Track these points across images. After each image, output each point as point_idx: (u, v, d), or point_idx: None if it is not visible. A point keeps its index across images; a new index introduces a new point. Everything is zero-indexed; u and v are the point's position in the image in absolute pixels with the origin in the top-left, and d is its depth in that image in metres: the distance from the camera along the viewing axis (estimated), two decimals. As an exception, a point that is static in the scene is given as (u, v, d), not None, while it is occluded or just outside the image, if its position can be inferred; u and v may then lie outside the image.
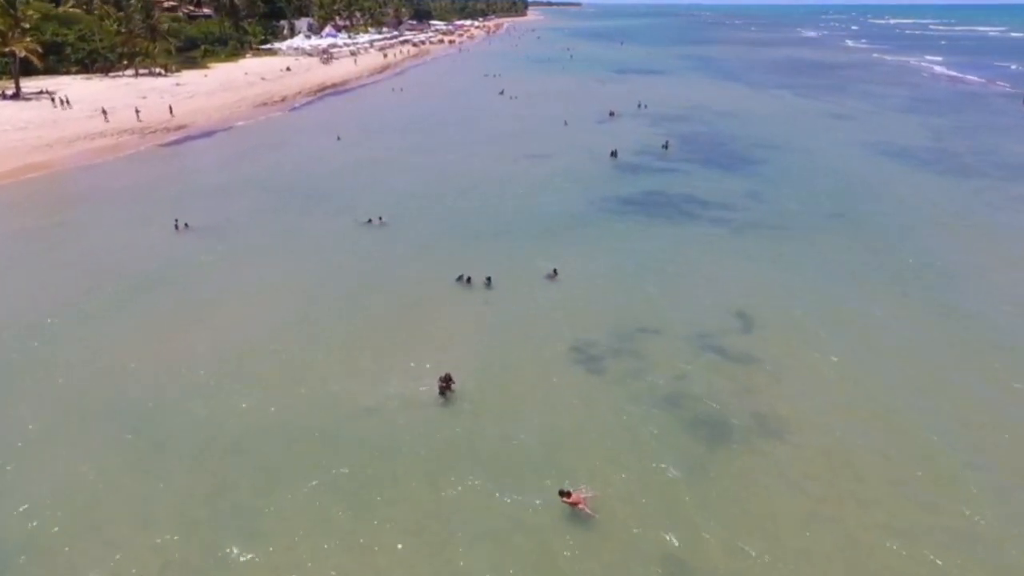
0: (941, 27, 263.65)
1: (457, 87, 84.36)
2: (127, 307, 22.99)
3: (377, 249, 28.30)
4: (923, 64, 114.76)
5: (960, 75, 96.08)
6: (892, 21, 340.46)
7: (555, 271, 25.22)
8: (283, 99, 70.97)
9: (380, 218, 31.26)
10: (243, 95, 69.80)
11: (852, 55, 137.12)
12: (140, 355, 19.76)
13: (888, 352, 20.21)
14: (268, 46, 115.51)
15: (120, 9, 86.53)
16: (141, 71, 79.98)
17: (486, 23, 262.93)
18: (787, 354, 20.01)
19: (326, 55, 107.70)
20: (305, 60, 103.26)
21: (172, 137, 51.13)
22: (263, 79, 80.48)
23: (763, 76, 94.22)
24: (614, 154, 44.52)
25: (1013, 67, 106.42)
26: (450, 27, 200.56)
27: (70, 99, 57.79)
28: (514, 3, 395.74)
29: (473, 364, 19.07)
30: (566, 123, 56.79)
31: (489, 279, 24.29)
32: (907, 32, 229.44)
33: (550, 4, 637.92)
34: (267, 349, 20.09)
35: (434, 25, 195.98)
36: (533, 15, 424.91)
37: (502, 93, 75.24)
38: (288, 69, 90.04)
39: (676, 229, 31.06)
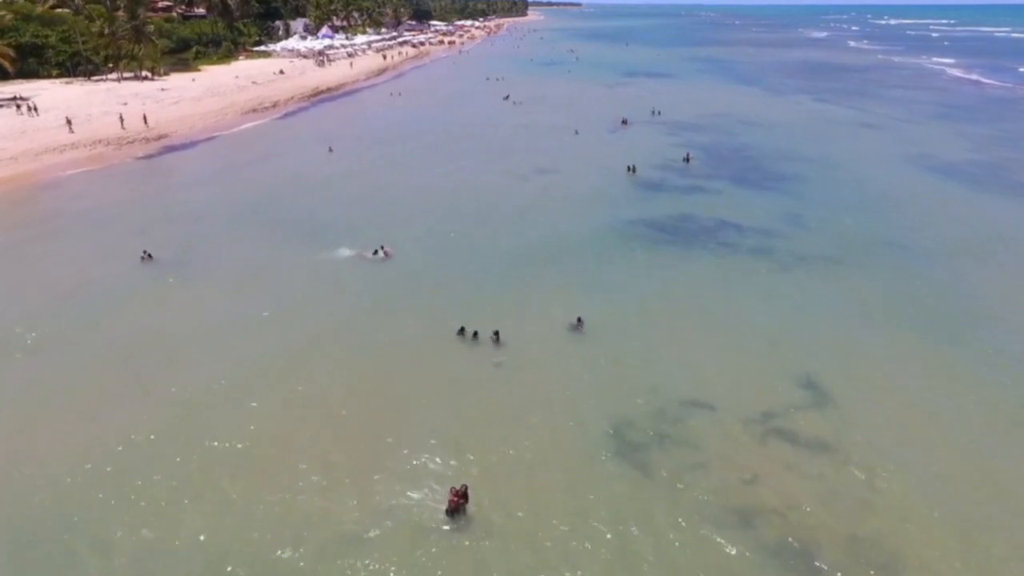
0: (943, 27, 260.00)
1: (459, 91, 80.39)
2: (34, 368, 18.85)
3: (365, 293, 24.23)
4: (938, 67, 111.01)
5: (983, 79, 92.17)
6: (893, 21, 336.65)
7: (579, 320, 21.26)
8: (274, 105, 66.91)
9: (384, 249, 27.08)
10: (232, 100, 65.77)
11: (864, 57, 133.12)
12: (15, 449, 15.43)
13: (993, 453, 16.22)
14: (262, 47, 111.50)
15: (109, 10, 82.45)
16: (126, 75, 75.97)
17: (487, 23, 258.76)
18: (875, 444, 16.01)
19: (322, 57, 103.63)
20: (300, 62, 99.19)
21: (150, 149, 47.09)
22: (254, 83, 76.46)
23: (778, 79, 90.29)
24: (632, 169, 40.56)
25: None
26: (450, 28, 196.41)
27: (43, 106, 53.90)
28: (514, 3, 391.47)
29: (486, 463, 15.07)
30: (577, 132, 52.84)
31: (497, 334, 20.23)
32: (910, 33, 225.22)
33: (550, 4, 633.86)
34: (201, 443, 15.67)
35: (434, 26, 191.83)
36: (533, 15, 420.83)
37: (507, 98, 71.31)
38: (281, 72, 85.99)
39: (713, 262, 27.06)
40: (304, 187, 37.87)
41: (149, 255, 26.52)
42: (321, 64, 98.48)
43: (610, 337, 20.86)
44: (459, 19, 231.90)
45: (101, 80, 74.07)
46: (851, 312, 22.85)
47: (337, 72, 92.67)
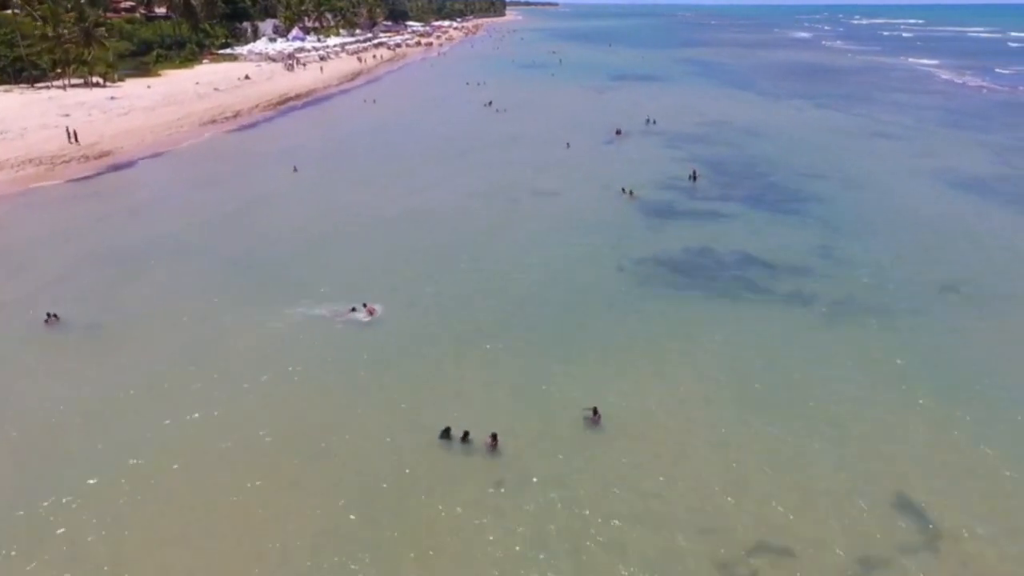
0: (915, 28, 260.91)
1: (438, 97, 75.43)
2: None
3: (330, 372, 19.34)
4: (926, 68, 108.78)
5: (978, 81, 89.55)
6: (864, 21, 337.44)
7: (595, 412, 16.60)
8: (236, 115, 61.37)
9: (366, 307, 21.97)
10: (190, 110, 60.14)
11: (849, 58, 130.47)
12: None
13: None
14: (228, 50, 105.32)
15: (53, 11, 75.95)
16: (75, 81, 69.84)
17: (464, 24, 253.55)
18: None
19: (291, 61, 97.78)
20: (268, 66, 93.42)
21: (87, 169, 41.46)
22: (216, 90, 70.73)
23: (772, 83, 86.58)
24: (630, 193, 35.82)
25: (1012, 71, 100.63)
26: (427, 28, 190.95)
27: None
28: (492, 3, 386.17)
29: None
30: (568, 145, 48.27)
31: (495, 438, 15.50)
32: (884, 34, 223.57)
33: (528, 4, 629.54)
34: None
35: (411, 26, 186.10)
36: (511, 15, 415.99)
37: (489, 104, 66.58)
38: (247, 77, 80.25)
39: (743, 315, 22.61)
40: (262, 217, 32.74)
41: (55, 316, 21.38)
42: (290, 68, 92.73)
43: (635, 435, 16.24)
44: (436, 19, 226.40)
45: (46, 88, 67.89)
46: (924, 388, 18.40)
47: (307, 77, 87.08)
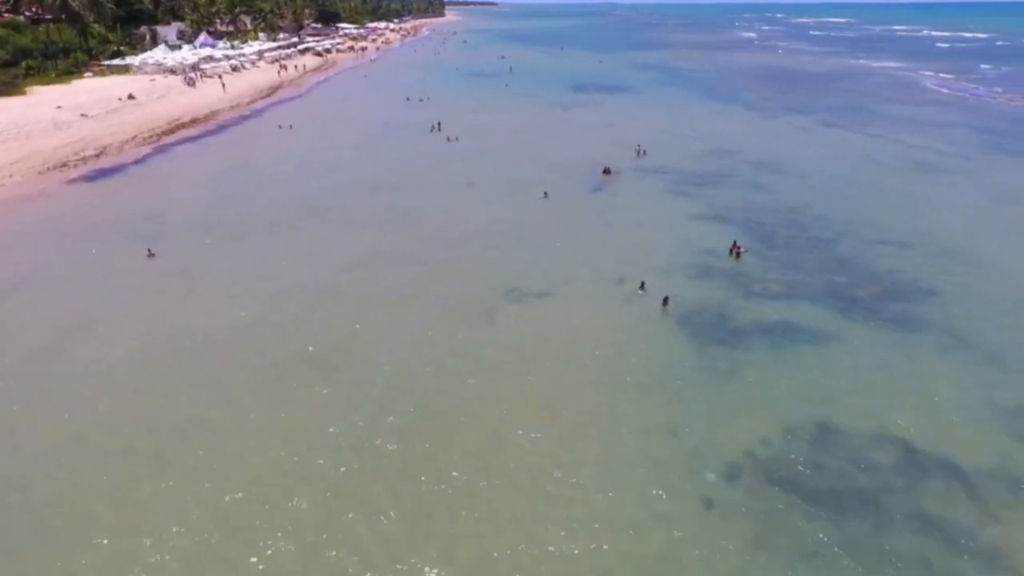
0: (852, 27, 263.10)
1: (372, 119, 61.80)
2: None
3: None
4: (902, 72, 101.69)
5: (977, 89, 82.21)
6: (795, 20, 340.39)
7: None
8: (100, 152, 46.49)
9: None
10: (35, 148, 45.01)
11: (813, 61, 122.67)
12: None
13: None
14: (119, 60, 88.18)
15: None
16: None
17: (403, 25, 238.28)
18: None
19: (194, 73, 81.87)
20: (164, 80, 77.27)
21: None
22: (84, 116, 55.17)
23: (753, 94, 76.31)
24: (665, 302, 23.29)
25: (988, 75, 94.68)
26: (362, 31, 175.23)
27: None
28: (431, 3, 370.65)
29: None
30: (546, 194, 35.97)
31: None
32: (817, 33, 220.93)
33: (467, 3, 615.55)
34: None
35: (343, 29, 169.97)
36: (451, 15, 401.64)
37: (437, 129, 53.74)
38: (130, 97, 64.48)
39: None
40: (57, 383, 18.90)
41: None
42: (191, 83, 76.95)
43: None
44: (371, 21, 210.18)
45: None
46: None
47: (211, 94, 71.88)
